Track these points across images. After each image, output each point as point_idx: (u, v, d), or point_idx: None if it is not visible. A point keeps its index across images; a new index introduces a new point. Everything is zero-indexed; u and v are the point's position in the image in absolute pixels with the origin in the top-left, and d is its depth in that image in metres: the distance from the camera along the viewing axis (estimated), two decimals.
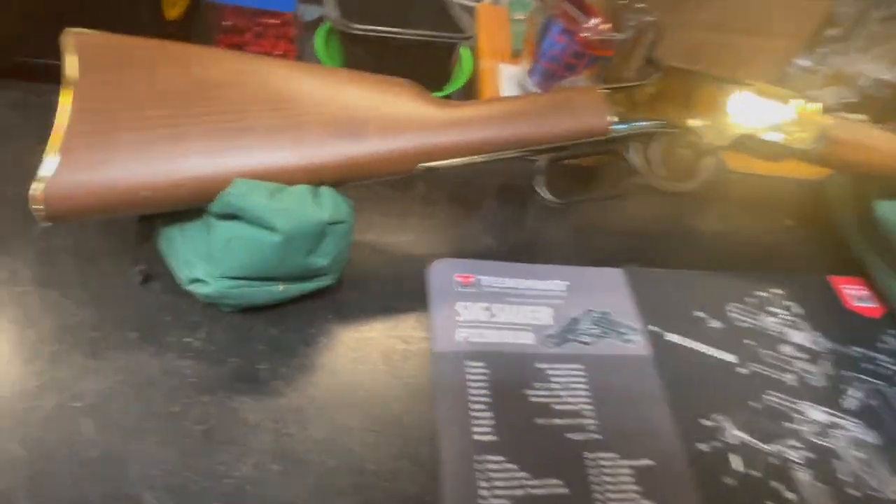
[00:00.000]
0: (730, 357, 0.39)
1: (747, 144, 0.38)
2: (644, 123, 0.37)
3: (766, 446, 0.34)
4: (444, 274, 0.39)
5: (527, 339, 0.37)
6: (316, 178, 0.31)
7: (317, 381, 0.33)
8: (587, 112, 0.35)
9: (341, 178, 0.32)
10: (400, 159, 0.32)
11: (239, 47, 0.49)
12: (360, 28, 0.42)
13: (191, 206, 0.30)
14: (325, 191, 0.31)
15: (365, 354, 0.34)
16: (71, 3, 0.39)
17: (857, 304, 0.44)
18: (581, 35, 0.42)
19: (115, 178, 0.27)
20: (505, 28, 0.58)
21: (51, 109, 0.28)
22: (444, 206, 0.45)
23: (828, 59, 0.55)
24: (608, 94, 0.37)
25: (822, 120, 0.40)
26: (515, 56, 0.53)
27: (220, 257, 0.30)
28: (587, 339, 0.38)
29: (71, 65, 0.29)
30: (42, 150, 0.27)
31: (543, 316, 0.38)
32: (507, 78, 0.50)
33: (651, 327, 0.39)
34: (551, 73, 0.46)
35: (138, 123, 0.28)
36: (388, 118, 0.32)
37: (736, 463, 0.33)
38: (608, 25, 0.43)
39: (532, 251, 0.44)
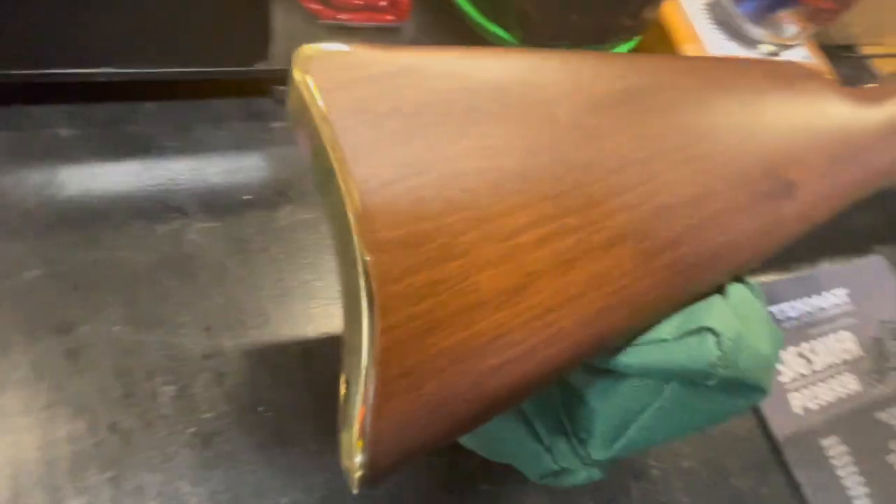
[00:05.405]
0: None
1: None
2: None
3: None
4: None
5: (852, 383, 0.30)
6: (741, 270, 0.18)
7: None
8: None
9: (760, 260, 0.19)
10: (837, 203, 0.19)
11: None
12: None
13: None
14: (757, 286, 0.19)
15: None
16: None
17: None
18: None
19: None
20: None
21: None
22: None
23: None
24: None
25: None
26: None
27: (616, 433, 0.18)
28: None
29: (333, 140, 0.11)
30: None
31: (849, 345, 0.31)
32: (694, 13, 0.37)
33: None
34: (774, 4, 0.34)
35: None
36: (817, 145, 0.19)
37: None
38: None
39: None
